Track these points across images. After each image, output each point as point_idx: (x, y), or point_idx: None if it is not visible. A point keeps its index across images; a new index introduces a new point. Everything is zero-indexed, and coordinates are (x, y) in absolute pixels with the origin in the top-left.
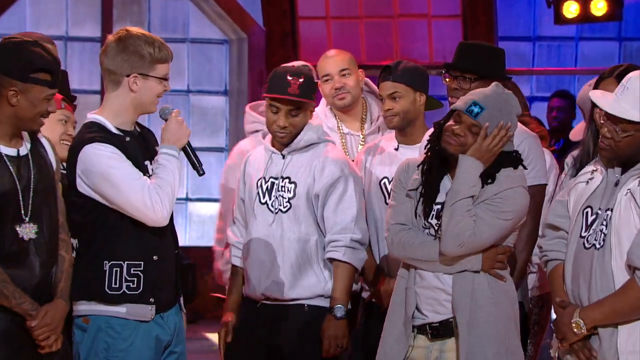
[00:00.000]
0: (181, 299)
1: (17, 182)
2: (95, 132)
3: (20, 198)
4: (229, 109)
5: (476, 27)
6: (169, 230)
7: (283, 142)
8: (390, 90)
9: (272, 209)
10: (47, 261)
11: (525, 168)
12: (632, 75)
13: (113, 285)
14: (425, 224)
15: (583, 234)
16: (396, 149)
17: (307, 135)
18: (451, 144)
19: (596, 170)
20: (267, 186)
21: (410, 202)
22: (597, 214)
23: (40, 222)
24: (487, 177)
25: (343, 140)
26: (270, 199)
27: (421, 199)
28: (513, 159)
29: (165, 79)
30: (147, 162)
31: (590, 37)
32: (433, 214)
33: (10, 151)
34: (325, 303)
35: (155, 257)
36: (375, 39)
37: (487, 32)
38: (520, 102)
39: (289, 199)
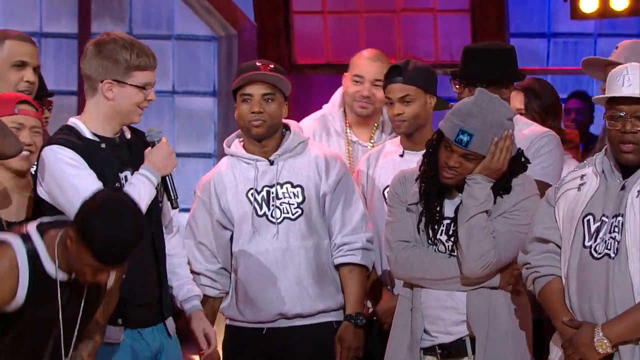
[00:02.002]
0: (171, 321)
1: (60, 314)
2: (62, 135)
3: (62, 333)
4: (217, 112)
5: (486, 22)
6: (147, 245)
7: (259, 132)
8: (401, 92)
9: (273, 219)
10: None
11: (528, 162)
12: (627, 64)
13: None
14: (430, 240)
15: (587, 244)
16: (401, 155)
17: (294, 136)
18: (450, 178)
19: (585, 175)
20: (262, 196)
21: (411, 216)
22: (602, 221)
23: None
24: (500, 188)
25: (349, 148)
26: (269, 209)
27: (425, 214)
28: (521, 164)
29: (144, 88)
30: (126, 172)
31: (610, 33)
32: (442, 230)
33: (63, 275)
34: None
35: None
36: (377, 35)
37: (497, 28)
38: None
39: (299, 204)
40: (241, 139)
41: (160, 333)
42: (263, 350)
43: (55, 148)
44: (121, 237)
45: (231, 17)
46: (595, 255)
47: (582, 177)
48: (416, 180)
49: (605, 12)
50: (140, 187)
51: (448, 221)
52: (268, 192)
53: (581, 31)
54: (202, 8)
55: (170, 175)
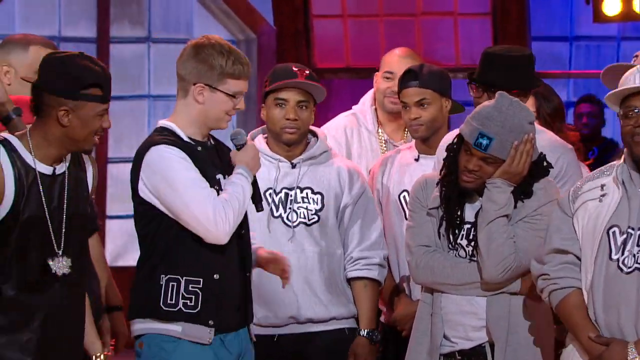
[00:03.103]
0: (252, 326)
1: (46, 206)
2: (165, 136)
3: (50, 225)
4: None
5: (507, 26)
6: (237, 249)
7: (292, 139)
8: (418, 96)
9: (288, 222)
10: (76, 296)
11: (551, 167)
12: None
13: (169, 301)
14: (451, 245)
15: (614, 257)
16: (416, 160)
17: (320, 144)
18: (469, 181)
19: (605, 185)
20: (280, 198)
21: (432, 221)
22: (628, 233)
23: (73, 256)
24: (521, 193)
25: (383, 147)
26: (285, 211)
27: (445, 219)
28: (543, 169)
29: (235, 96)
30: (219, 176)
31: (634, 36)
32: (463, 234)
33: (46, 169)
34: (356, 324)
35: (216, 276)
36: (396, 38)
37: (519, 32)
38: (556, 108)
39: (317, 211)
40: (265, 135)
41: (243, 338)
42: (275, 357)
43: (161, 147)
44: (97, 62)
45: (250, 21)
46: (625, 269)
47: (602, 187)
48: (437, 184)
49: (628, 15)
50: (243, 185)
51: (468, 226)
52: (286, 195)
53: (604, 34)
54: (221, 12)
55: (255, 178)
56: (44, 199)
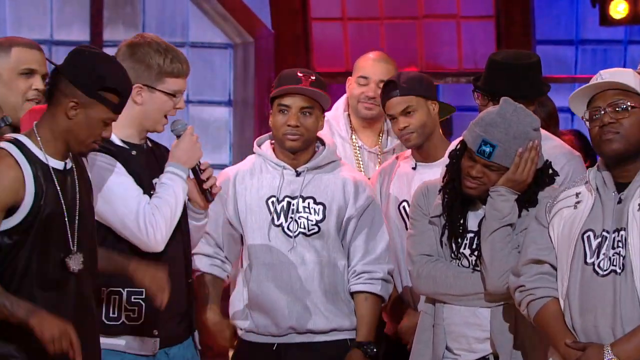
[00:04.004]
0: (196, 334)
1: (63, 202)
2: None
3: (67, 221)
4: (233, 121)
5: (511, 29)
6: (179, 256)
7: (294, 146)
8: (402, 105)
9: (289, 232)
10: (85, 294)
11: (556, 174)
12: None
13: (111, 315)
14: (454, 254)
15: (589, 261)
16: (414, 168)
17: (327, 152)
18: (472, 188)
19: (580, 192)
20: (282, 206)
21: (434, 229)
22: (603, 236)
23: (85, 251)
24: (526, 201)
25: (357, 154)
26: (286, 220)
27: (448, 227)
28: (549, 176)
29: (174, 95)
30: (155, 180)
31: None
32: (466, 243)
33: (58, 164)
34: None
35: None
36: (398, 42)
37: (523, 35)
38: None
39: (317, 221)
40: (273, 141)
41: (187, 348)
42: None
43: (91, 156)
44: (124, 72)
45: (247, 24)
46: (600, 272)
47: (577, 195)
48: (439, 192)
49: (635, 18)
50: (173, 187)
51: (472, 235)
52: (289, 203)
53: (611, 38)
54: (217, 14)
55: (198, 166)
56: (60, 195)
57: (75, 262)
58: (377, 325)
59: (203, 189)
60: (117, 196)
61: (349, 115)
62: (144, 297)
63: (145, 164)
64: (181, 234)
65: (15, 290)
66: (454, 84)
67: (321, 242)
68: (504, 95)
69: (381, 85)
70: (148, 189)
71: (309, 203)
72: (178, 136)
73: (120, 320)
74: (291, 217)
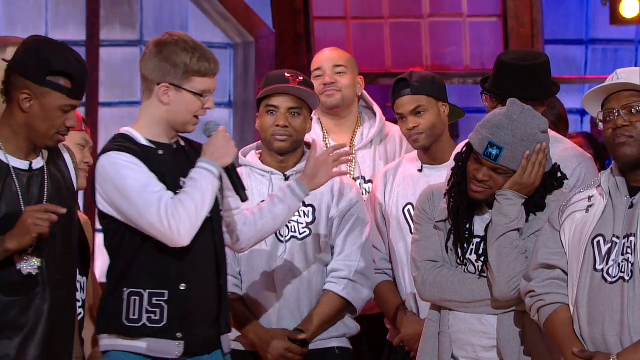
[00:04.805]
0: (228, 340)
1: (22, 203)
2: (117, 142)
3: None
4: (233, 123)
5: (519, 28)
6: (209, 256)
7: (282, 147)
8: (413, 105)
9: (281, 237)
10: (58, 299)
11: (565, 178)
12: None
13: (132, 317)
14: (460, 260)
15: (598, 267)
16: (420, 171)
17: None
18: (478, 192)
19: (593, 196)
20: None
21: (439, 234)
22: (613, 242)
23: (46, 255)
24: (534, 206)
25: None
26: None
27: (453, 232)
28: (557, 180)
29: (202, 95)
30: (183, 180)
31: None
32: (472, 249)
33: (21, 164)
34: (349, 344)
35: (182, 286)
36: (402, 42)
37: (531, 35)
38: (560, 115)
39: (307, 224)
40: (259, 150)
41: (216, 357)
42: None
43: (111, 154)
44: (76, 56)
45: (248, 23)
46: (609, 279)
47: (589, 198)
48: (444, 195)
49: None
50: (201, 181)
51: (478, 240)
52: None
53: (621, 37)
54: (217, 14)
55: (233, 165)
56: (20, 196)
57: (28, 266)
58: (379, 332)
59: (237, 190)
60: (136, 192)
61: (319, 117)
62: (166, 299)
63: (173, 163)
64: (212, 232)
65: None
66: (460, 85)
67: (313, 246)
68: (513, 97)
69: (338, 70)
70: (173, 187)
71: None
72: (208, 137)
73: (141, 323)
74: None
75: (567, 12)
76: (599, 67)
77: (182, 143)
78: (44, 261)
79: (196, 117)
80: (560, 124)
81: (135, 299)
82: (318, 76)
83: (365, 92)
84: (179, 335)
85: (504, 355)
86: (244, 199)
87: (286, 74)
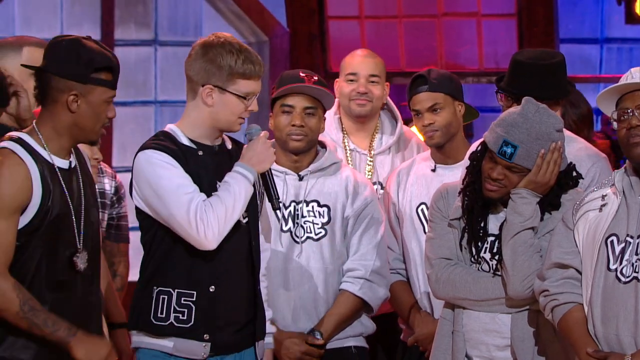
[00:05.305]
0: (259, 344)
1: (70, 202)
2: (157, 140)
3: (74, 221)
4: (247, 122)
5: (534, 27)
6: (243, 259)
7: (298, 147)
8: (430, 102)
9: (296, 238)
10: (91, 293)
11: (580, 177)
12: None
13: (159, 315)
14: (474, 258)
15: (612, 267)
16: (433, 170)
17: (329, 154)
18: (493, 190)
19: (607, 195)
20: (290, 212)
21: (453, 232)
22: (627, 241)
23: (89, 250)
24: (549, 204)
25: (349, 157)
26: (294, 225)
27: (468, 230)
28: (572, 179)
29: (246, 98)
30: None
31: None
32: (486, 247)
33: (63, 163)
34: (365, 343)
35: (212, 288)
36: (416, 41)
37: (546, 34)
38: (583, 115)
39: (323, 224)
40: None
41: (246, 357)
42: None
43: (148, 152)
44: (106, 47)
45: (262, 23)
46: (623, 279)
47: (603, 197)
48: (459, 194)
49: None
50: (234, 186)
51: (492, 238)
52: (295, 208)
53: (636, 36)
54: (231, 13)
55: (270, 172)
56: (67, 195)
57: (82, 261)
58: (392, 332)
59: (271, 197)
60: (169, 192)
61: (339, 118)
62: (194, 299)
63: (212, 165)
64: (248, 236)
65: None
66: (475, 84)
67: (330, 246)
68: (528, 96)
69: (372, 80)
70: (209, 190)
71: (313, 207)
72: (249, 141)
73: (169, 322)
74: (297, 223)
75: (583, 11)
76: (614, 66)
77: (229, 144)
78: (88, 255)
79: (241, 117)
80: (583, 124)
81: (163, 298)
82: (351, 80)
83: (389, 98)
84: (206, 337)
85: (517, 355)
86: (275, 207)
87: (301, 74)
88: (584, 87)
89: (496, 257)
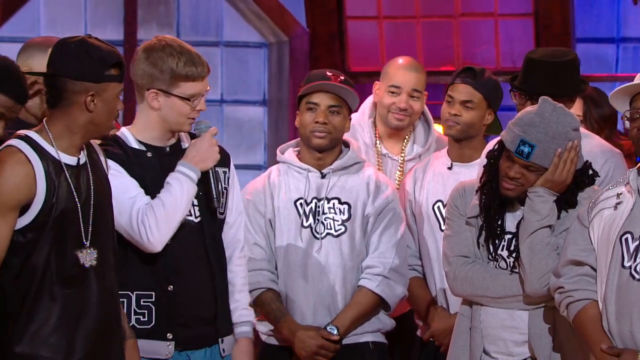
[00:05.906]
0: (225, 339)
1: (77, 198)
2: (104, 146)
3: (81, 217)
4: (267, 121)
5: (550, 27)
6: (200, 258)
7: (321, 144)
8: (466, 96)
9: (316, 234)
10: (106, 288)
11: (597, 175)
12: None
13: None
14: (491, 256)
15: (627, 264)
16: (449, 168)
17: (352, 153)
18: (510, 189)
19: (622, 193)
20: (311, 208)
21: (471, 230)
22: None
23: (99, 247)
24: (565, 203)
25: (379, 161)
26: (314, 222)
27: (485, 228)
28: (589, 177)
29: (190, 99)
30: None
31: None
32: (503, 245)
33: (71, 160)
34: (384, 339)
35: (170, 287)
36: (434, 41)
37: (562, 34)
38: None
39: (343, 221)
40: (297, 148)
41: (213, 355)
42: None
43: None
44: (103, 42)
45: (282, 23)
46: (637, 276)
47: (618, 195)
48: (476, 192)
49: None
50: (175, 186)
51: (509, 236)
52: (316, 205)
53: None
54: (252, 13)
55: (213, 170)
56: (74, 191)
57: (88, 258)
58: (409, 328)
59: (211, 195)
60: (113, 198)
61: (374, 122)
62: (153, 300)
63: (161, 167)
64: (201, 234)
65: (37, 288)
66: None
67: (349, 243)
68: (542, 94)
69: (413, 95)
70: (155, 191)
71: (334, 204)
72: (199, 136)
73: (130, 324)
74: (317, 219)
75: (599, 11)
76: (630, 65)
77: (186, 143)
78: (99, 253)
79: (190, 118)
80: (606, 125)
81: (122, 301)
82: (393, 93)
83: (425, 106)
84: (169, 335)
85: (535, 351)
86: (213, 207)
87: (327, 73)
88: (601, 86)
89: (513, 255)
